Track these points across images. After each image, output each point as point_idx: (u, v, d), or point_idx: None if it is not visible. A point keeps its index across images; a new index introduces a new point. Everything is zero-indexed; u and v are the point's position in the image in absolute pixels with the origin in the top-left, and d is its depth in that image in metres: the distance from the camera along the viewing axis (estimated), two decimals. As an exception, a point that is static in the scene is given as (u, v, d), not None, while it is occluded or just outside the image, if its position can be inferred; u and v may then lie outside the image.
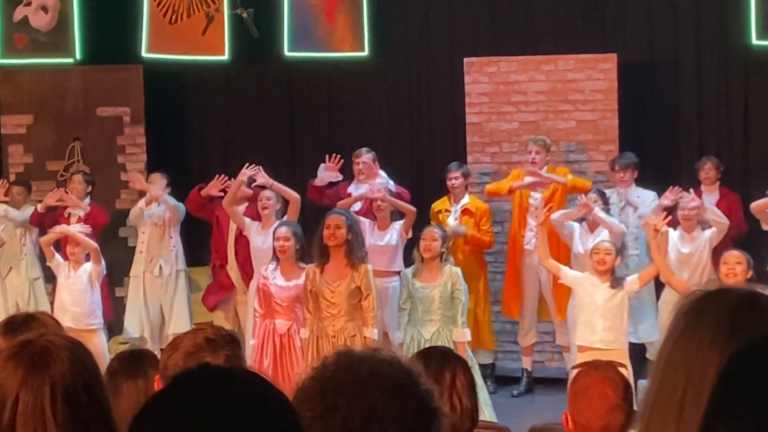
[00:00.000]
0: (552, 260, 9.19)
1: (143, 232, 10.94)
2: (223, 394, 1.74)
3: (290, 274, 8.82)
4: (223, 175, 10.60)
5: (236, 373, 1.84)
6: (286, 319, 8.82)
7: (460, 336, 8.81)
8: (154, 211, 10.85)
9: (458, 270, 9.05)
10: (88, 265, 9.74)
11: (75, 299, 9.62)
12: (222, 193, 10.47)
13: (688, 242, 9.62)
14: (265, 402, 1.77)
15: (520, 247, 10.43)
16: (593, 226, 9.79)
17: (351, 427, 2.05)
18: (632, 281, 8.68)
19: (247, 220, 10.25)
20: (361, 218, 9.74)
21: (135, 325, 10.83)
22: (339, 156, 10.56)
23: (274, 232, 9.08)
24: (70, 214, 10.93)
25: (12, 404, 2.43)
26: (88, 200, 10.97)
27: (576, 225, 9.94)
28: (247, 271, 10.35)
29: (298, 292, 8.77)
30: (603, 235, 9.43)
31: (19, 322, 4.05)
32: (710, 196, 10.50)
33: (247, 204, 10.55)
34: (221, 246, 10.71)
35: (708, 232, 9.62)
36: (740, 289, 2.11)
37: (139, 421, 1.78)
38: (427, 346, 8.62)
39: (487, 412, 8.47)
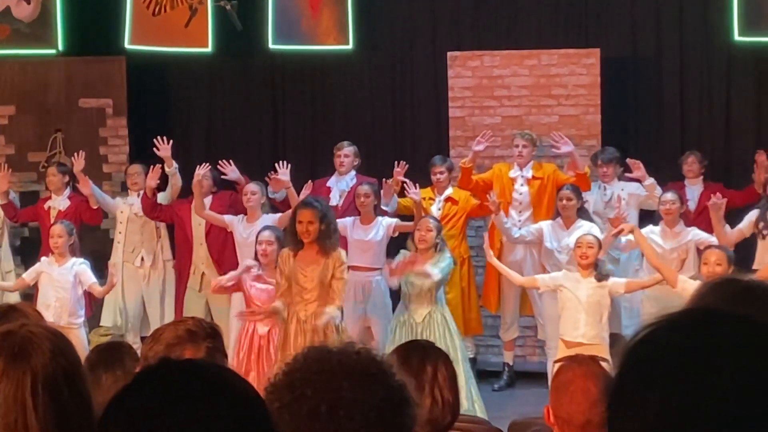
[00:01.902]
0: (523, 278, 9.32)
1: (120, 222, 10.90)
2: (187, 386, 1.75)
3: (273, 278, 8.76)
4: (157, 165, 10.56)
5: (199, 366, 1.85)
6: (267, 323, 8.75)
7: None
8: (134, 201, 10.81)
9: (447, 251, 9.08)
10: (76, 264, 9.57)
11: (59, 296, 9.42)
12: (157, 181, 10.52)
13: (669, 238, 9.60)
14: (230, 392, 1.77)
15: (498, 242, 10.42)
16: (568, 222, 9.77)
17: (317, 416, 2.06)
18: (619, 284, 8.67)
19: (227, 216, 10.22)
20: (340, 221, 9.63)
21: (110, 317, 10.78)
22: (287, 162, 10.37)
23: (257, 236, 9.07)
24: (50, 207, 10.88)
25: (-8, 395, 2.42)
26: (68, 191, 10.92)
27: (544, 223, 9.94)
28: (223, 267, 10.32)
29: None
30: (583, 229, 9.40)
31: (0, 314, 4.03)
32: (693, 188, 10.56)
33: (212, 197, 10.58)
34: (185, 245, 10.68)
35: (695, 234, 9.57)
36: (745, 280, 2.13)
37: (106, 418, 1.78)
38: (418, 329, 8.69)
39: (477, 407, 8.55)
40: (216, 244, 10.50)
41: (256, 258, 8.99)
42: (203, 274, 10.59)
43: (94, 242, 10.94)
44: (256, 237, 9.14)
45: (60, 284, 9.45)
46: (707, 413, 1.47)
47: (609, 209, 10.32)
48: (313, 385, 2.09)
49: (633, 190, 10.37)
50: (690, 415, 1.48)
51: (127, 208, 10.86)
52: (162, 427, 1.70)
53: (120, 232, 10.91)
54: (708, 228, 9.66)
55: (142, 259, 10.87)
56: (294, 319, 8.33)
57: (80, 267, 9.51)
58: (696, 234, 9.56)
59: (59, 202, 10.87)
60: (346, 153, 10.75)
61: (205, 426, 1.70)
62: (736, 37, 11.11)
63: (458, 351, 8.66)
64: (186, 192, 10.79)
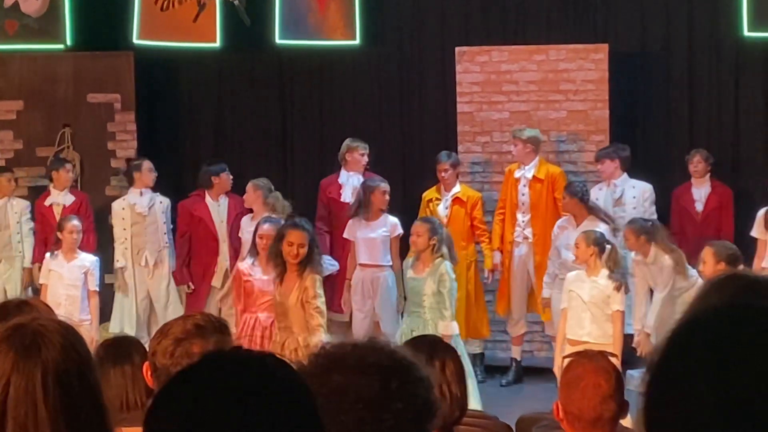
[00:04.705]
0: (562, 329, 8.69)
1: (123, 227, 10.78)
2: (237, 377, 1.75)
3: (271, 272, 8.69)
4: None
5: (248, 357, 1.85)
6: (270, 313, 8.70)
7: (447, 329, 8.57)
8: (137, 201, 10.73)
9: (447, 263, 8.86)
10: (85, 260, 9.50)
11: (70, 293, 9.37)
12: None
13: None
14: (279, 382, 1.78)
15: (508, 244, 10.41)
16: (580, 219, 9.71)
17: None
18: (614, 304, 8.41)
19: (241, 234, 10.18)
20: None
21: (117, 324, 10.72)
22: None
23: (256, 228, 8.98)
24: (53, 204, 10.84)
25: (3, 388, 2.42)
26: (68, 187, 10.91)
27: (555, 228, 9.88)
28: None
29: None
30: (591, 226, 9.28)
31: (12, 308, 4.04)
32: (701, 189, 10.48)
33: (227, 194, 10.61)
34: (208, 244, 10.68)
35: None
36: (751, 275, 2.15)
37: (154, 410, 1.78)
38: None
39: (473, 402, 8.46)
40: (238, 241, 10.49)
41: (253, 249, 8.86)
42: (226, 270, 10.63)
43: (102, 238, 10.88)
44: (255, 229, 8.99)
45: (70, 281, 9.40)
46: (751, 404, 1.49)
47: (618, 207, 10.27)
48: (310, 381, 2.11)
49: (644, 188, 10.30)
50: (734, 406, 1.50)
51: (128, 209, 10.75)
52: (211, 419, 1.70)
53: (124, 236, 10.82)
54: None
55: (146, 258, 10.80)
56: (284, 346, 8.08)
57: (92, 266, 9.48)
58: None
59: (63, 198, 10.82)
60: (368, 152, 10.74)
61: (255, 417, 1.70)
62: (746, 33, 11.07)
63: (463, 352, 8.57)
64: (191, 188, 10.85)
